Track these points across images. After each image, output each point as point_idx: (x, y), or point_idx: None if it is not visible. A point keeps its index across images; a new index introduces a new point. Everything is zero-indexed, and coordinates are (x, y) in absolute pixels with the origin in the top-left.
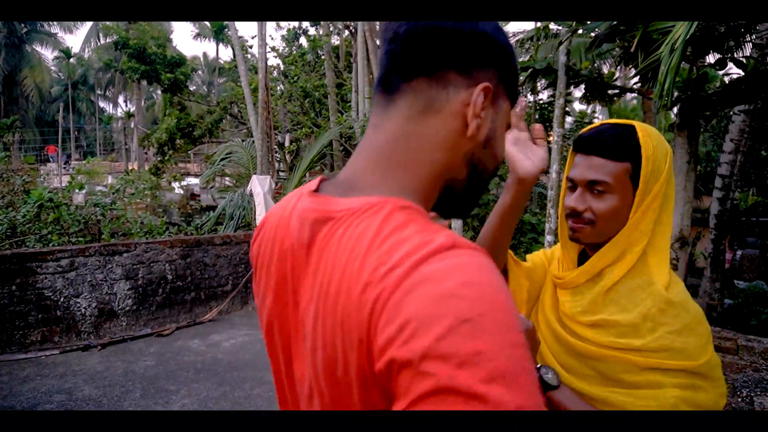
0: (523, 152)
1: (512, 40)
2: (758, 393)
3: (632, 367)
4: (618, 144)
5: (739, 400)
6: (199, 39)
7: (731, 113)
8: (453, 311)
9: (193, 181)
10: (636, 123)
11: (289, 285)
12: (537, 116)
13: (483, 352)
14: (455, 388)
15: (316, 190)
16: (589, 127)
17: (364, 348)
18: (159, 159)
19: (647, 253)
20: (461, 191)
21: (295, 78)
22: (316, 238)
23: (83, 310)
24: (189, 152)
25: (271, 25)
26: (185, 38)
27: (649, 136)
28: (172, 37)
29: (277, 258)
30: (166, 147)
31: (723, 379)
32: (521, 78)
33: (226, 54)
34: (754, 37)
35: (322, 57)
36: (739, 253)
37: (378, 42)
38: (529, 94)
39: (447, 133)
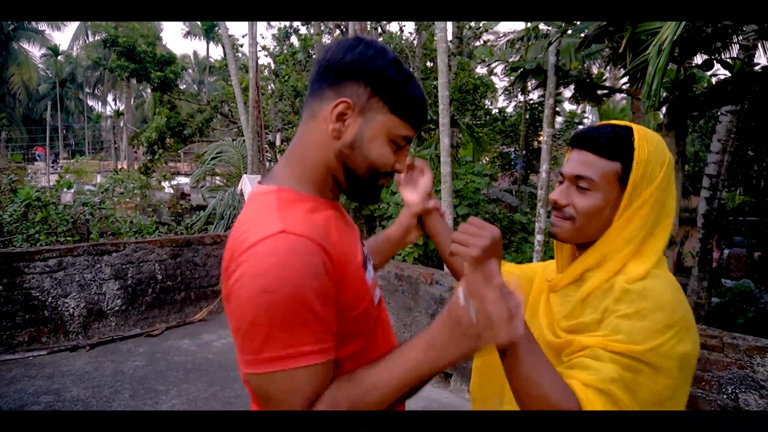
0: (409, 188)
1: (502, 41)
2: (743, 390)
3: (581, 348)
4: (611, 143)
5: (725, 397)
6: (189, 37)
7: (718, 114)
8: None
9: (183, 180)
10: (637, 127)
11: None
12: (527, 116)
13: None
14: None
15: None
16: (590, 125)
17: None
18: (149, 158)
19: (633, 262)
20: (348, 182)
21: (286, 77)
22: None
23: (71, 311)
24: (179, 151)
25: (261, 24)
26: (175, 36)
27: (646, 141)
28: (161, 35)
29: None
30: (156, 146)
31: (677, 370)
32: (511, 78)
33: (216, 52)
34: (740, 38)
35: (313, 56)
36: (726, 252)
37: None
38: (519, 94)
39: (319, 134)
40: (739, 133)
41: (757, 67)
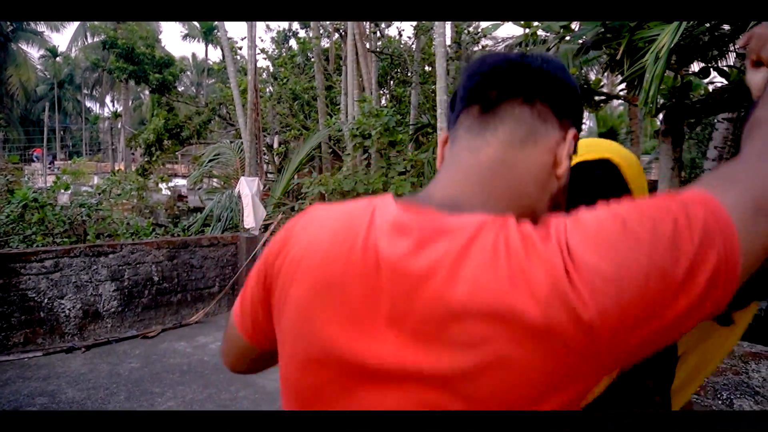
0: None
1: (501, 46)
2: (738, 395)
3: None
4: (610, 194)
5: (719, 402)
6: (188, 40)
7: (715, 121)
8: None
9: (180, 182)
10: (613, 155)
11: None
12: None
13: None
14: None
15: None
16: (577, 167)
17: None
18: (146, 160)
19: None
20: None
21: (285, 80)
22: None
23: (67, 312)
24: (177, 153)
25: (260, 27)
26: (174, 39)
27: (630, 167)
28: (160, 37)
29: (358, 274)
30: (154, 148)
31: None
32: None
33: (215, 55)
34: (737, 46)
35: (312, 59)
36: None
37: (368, 45)
38: None
39: (542, 167)
40: (736, 141)
41: None
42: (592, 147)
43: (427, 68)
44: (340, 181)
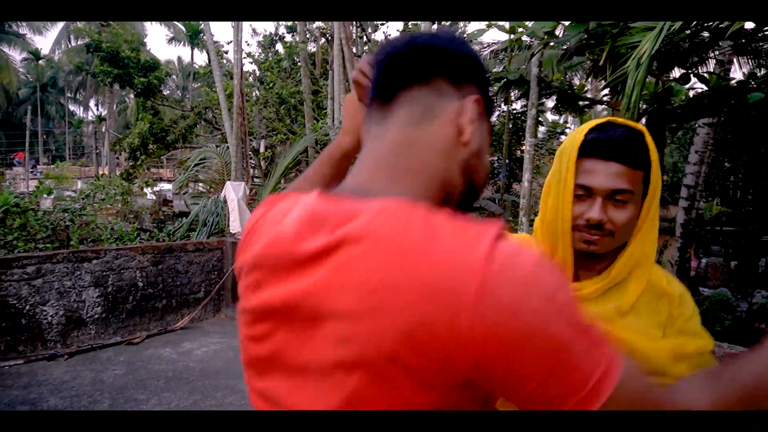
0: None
1: (486, 51)
2: None
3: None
4: (637, 150)
5: None
6: (173, 43)
7: (696, 126)
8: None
9: (165, 186)
10: (640, 126)
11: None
12: (510, 125)
13: None
14: None
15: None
16: (591, 126)
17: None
18: (131, 164)
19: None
20: (457, 200)
21: (271, 84)
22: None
23: (50, 319)
24: (162, 157)
25: (246, 31)
26: (159, 42)
27: (652, 141)
28: (145, 40)
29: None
30: (139, 152)
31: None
32: (495, 87)
33: (201, 59)
34: (716, 53)
35: (299, 64)
36: (704, 261)
37: (354, 50)
38: (503, 104)
39: (444, 139)
40: (716, 145)
41: (732, 82)
42: (612, 120)
43: None
44: None
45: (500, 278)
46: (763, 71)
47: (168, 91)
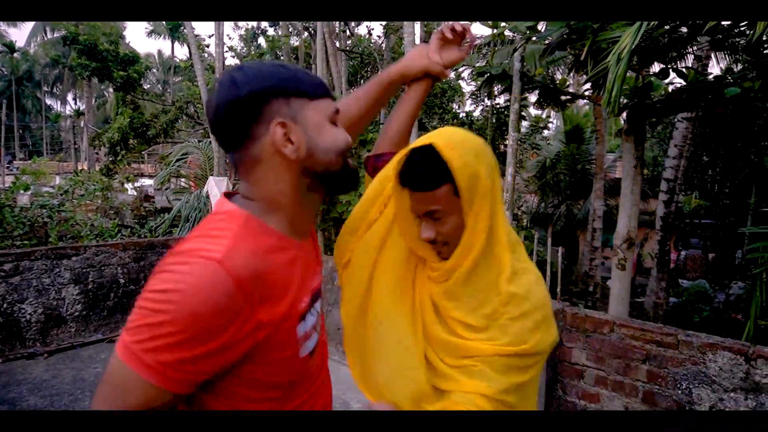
0: (441, 50)
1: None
2: (696, 385)
3: (478, 353)
4: (429, 175)
5: (679, 392)
6: (153, 36)
7: (675, 120)
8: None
9: (147, 182)
10: (438, 139)
11: None
12: (494, 120)
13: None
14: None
15: None
16: (402, 157)
17: None
18: (111, 159)
19: (491, 245)
20: (328, 183)
21: None
22: None
23: (28, 317)
24: (143, 152)
25: (228, 25)
26: (139, 35)
27: (453, 150)
28: (124, 33)
29: None
30: (119, 147)
31: (545, 357)
32: (478, 82)
33: (181, 52)
34: (695, 48)
35: (281, 58)
36: (683, 253)
37: (338, 44)
38: (486, 99)
39: (277, 167)
40: (695, 139)
41: (710, 77)
42: (429, 135)
43: None
44: None
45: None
46: (739, 66)
47: (148, 85)
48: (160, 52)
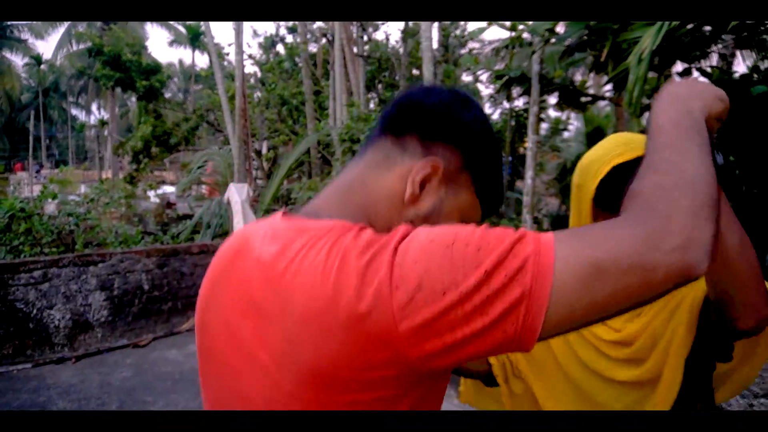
0: None
1: (487, 49)
2: None
3: None
4: None
5: None
6: (174, 46)
7: None
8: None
9: (169, 189)
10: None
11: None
12: (512, 123)
13: None
14: None
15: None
16: (601, 174)
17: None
18: (134, 167)
19: None
20: None
21: (273, 85)
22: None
23: (57, 322)
24: (165, 160)
25: (247, 32)
26: (160, 45)
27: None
28: (147, 44)
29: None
30: (141, 155)
31: None
32: (497, 85)
33: (202, 61)
34: (719, 46)
35: (300, 64)
36: None
37: (355, 50)
38: (504, 102)
39: (392, 191)
40: (719, 139)
41: (735, 75)
42: (629, 145)
43: (414, 72)
44: None
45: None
46: (767, 64)
47: (170, 94)
48: (181, 62)
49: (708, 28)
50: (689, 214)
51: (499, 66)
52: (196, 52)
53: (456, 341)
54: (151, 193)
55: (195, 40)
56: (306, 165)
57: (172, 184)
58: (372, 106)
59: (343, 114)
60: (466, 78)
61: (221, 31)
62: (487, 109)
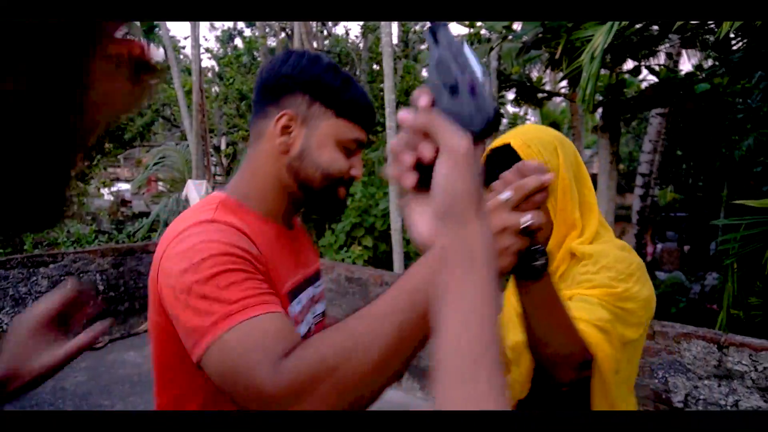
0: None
1: None
2: (672, 374)
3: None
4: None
5: (656, 381)
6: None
7: (649, 116)
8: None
9: (123, 186)
10: (514, 138)
11: None
12: None
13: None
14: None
15: None
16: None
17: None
18: (86, 164)
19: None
20: (305, 196)
21: (231, 80)
22: None
23: (4, 327)
24: (118, 156)
25: (204, 26)
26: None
27: (529, 149)
28: None
29: None
30: (94, 151)
31: (643, 312)
32: None
33: (156, 54)
34: (666, 45)
35: (259, 59)
36: (659, 246)
37: (315, 45)
38: None
39: (268, 151)
40: (668, 134)
41: (681, 74)
42: (507, 134)
43: (375, 67)
44: None
45: (168, 252)
46: (710, 63)
47: None
48: None
49: (655, 28)
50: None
51: None
52: (151, 45)
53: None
54: (104, 191)
55: (149, 33)
56: None
57: (127, 181)
58: None
59: None
60: (426, 74)
61: (176, 24)
62: None
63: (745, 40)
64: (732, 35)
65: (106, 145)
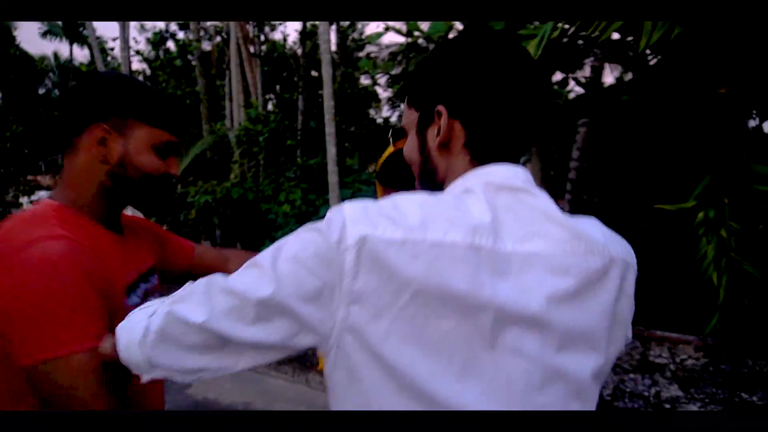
0: None
1: (385, 53)
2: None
3: None
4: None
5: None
6: (48, 37)
7: (577, 125)
8: None
9: (44, 194)
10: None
11: None
12: None
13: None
14: None
15: None
16: (384, 161)
17: None
18: (1, 170)
19: None
20: (128, 193)
21: (163, 84)
22: None
23: None
24: (39, 163)
25: (134, 26)
26: (32, 35)
27: None
28: (15, 33)
29: None
30: (12, 157)
31: None
32: (395, 89)
33: (82, 55)
34: (592, 59)
35: (193, 63)
36: None
37: (252, 50)
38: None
39: (89, 162)
40: (594, 143)
41: (605, 85)
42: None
43: (313, 73)
44: (229, 188)
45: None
46: (629, 76)
47: (44, 90)
48: (56, 55)
49: (581, 42)
50: None
51: (397, 70)
52: (75, 46)
53: None
54: (23, 200)
55: (72, 32)
56: (200, 168)
57: (48, 189)
58: (270, 107)
59: (239, 115)
60: (365, 81)
61: (104, 24)
62: (386, 111)
63: (659, 56)
64: (648, 51)
65: (25, 150)
